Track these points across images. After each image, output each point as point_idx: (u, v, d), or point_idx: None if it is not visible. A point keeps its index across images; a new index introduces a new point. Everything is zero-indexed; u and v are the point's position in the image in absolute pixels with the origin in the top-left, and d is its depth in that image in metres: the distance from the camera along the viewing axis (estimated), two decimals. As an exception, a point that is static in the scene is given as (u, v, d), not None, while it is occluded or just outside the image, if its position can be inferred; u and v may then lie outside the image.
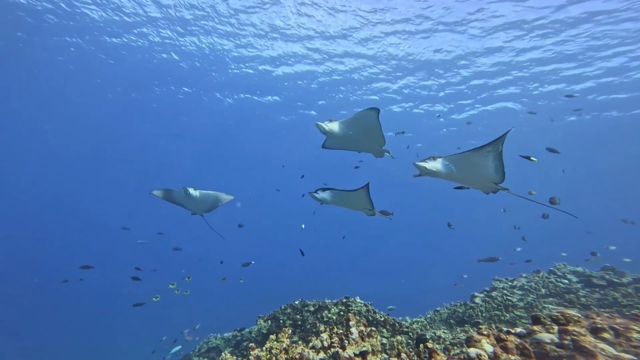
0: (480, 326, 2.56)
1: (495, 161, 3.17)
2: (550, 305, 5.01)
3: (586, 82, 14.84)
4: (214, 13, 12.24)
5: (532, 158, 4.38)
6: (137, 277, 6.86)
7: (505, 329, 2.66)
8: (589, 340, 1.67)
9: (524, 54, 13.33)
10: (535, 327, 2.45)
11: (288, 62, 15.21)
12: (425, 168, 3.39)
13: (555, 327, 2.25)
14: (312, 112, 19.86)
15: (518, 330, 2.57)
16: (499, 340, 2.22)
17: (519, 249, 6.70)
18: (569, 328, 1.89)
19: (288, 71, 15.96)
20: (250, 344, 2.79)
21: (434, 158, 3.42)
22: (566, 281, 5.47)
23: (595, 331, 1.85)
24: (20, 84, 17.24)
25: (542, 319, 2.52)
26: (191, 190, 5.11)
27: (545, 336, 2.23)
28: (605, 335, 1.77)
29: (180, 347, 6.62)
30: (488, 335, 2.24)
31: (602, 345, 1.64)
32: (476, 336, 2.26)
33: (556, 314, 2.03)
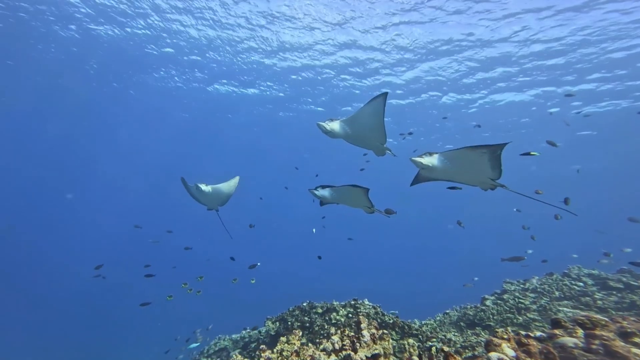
0: (497, 329, 2.49)
1: (493, 158, 3.15)
2: (565, 309, 4.88)
3: (596, 72, 14.43)
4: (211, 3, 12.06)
5: (532, 153, 4.39)
6: (150, 274, 6.88)
7: (523, 332, 2.58)
8: (621, 345, 1.59)
9: (533, 45, 12.99)
10: (556, 331, 2.37)
11: (291, 56, 14.96)
12: (422, 163, 3.41)
13: (579, 331, 2.16)
14: (319, 108, 19.65)
15: (538, 334, 2.49)
16: (520, 344, 2.15)
17: (530, 251, 6.58)
18: (597, 332, 1.81)
19: (291, 65, 15.69)
20: (262, 346, 2.75)
21: (430, 154, 3.43)
22: (581, 284, 5.33)
23: (624, 336, 1.77)
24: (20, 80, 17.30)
25: (562, 323, 2.43)
26: (202, 187, 5.11)
27: (569, 340, 2.14)
28: (637, 339, 1.69)
29: (199, 344, 6.57)
30: (508, 339, 2.16)
31: (635, 350, 1.57)
32: (496, 340, 2.18)
33: (581, 317, 1.96)
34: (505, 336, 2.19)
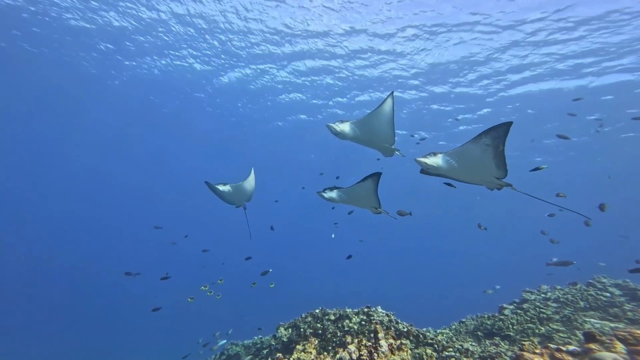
0: (523, 342, 2.36)
1: (497, 155, 3.08)
2: (592, 319, 4.65)
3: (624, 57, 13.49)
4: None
5: (540, 167, 4.52)
6: (167, 276, 6.96)
7: (553, 346, 2.44)
8: (674, 366, 1.47)
9: (553, 34, 12.28)
10: (591, 346, 2.23)
11: (292, 46, 14.48)
12: (426, 164, 3.40)
13: (619, 346, 2.03)
14: (336, 111, 19.33)
15: (571, 348, 2.35)
16: (554, 359, 2.03)
17: (555, 259, 6.35)
18: (642, 349, 1.68)
19: (292, 54, 15.20)
20: (278, 354, 2.69)
21: (435, 154, 3.44)
22: (608, 294, 5.07)
23: (674, 354, 1.63)
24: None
25: (598, 336, 2.29)
26: (220, 187, 5.21)
27: (608, 355, 2.01)
28: (689, 359, 1.56)
29: (225, 341, 6.54)
30: (541, 354, 2.04)
31: (691, 371, 1.44)
32: (527, 354, 2.06)
33: (622, 332, 1.83)
34: (537, 351, 2.07)
